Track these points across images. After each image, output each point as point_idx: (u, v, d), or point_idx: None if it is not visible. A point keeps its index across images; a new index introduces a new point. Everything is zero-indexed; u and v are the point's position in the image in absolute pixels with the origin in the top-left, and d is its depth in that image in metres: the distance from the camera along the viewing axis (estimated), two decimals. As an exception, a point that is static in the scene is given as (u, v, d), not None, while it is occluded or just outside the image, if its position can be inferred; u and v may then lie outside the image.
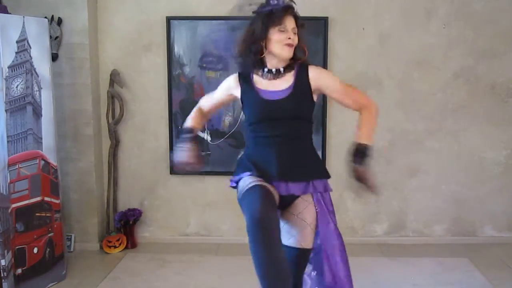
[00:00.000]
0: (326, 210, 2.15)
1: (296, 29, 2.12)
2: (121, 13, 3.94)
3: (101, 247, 3.99)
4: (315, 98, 2.18)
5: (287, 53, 2.11)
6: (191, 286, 3.37)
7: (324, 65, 3.85)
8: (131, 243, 4.02)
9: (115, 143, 4.03)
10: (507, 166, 4.04)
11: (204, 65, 3.95)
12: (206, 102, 2.39)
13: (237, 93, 2.22)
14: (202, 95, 3.99)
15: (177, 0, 3.91)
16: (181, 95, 4.00)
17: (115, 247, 3.94)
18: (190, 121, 2.33)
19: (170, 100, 4.00)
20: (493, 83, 3.94)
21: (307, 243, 2.13)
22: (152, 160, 4.10)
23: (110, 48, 3.98)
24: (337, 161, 3.90)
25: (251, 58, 2.15)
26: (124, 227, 4.02)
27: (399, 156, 4.04)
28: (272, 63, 2.15)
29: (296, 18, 2.14)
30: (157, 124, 4.05)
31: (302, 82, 2.14)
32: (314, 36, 3.84)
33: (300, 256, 2.15)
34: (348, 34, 3.90)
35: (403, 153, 4.04)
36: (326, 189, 2.18)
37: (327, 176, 2.21)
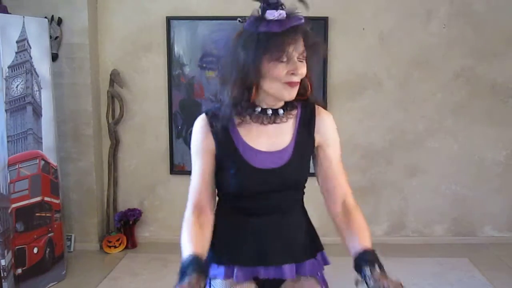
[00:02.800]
0: None
1: (304, 54, 1.42)
2: (121, 13, 3.94)
3: (101, 247, 3.98)
4: (315, 148, 1.56)
5: (289, 94, 1.42)
6: (191, 286, 3.37)
7: (324, 65, 3.85)
8: (131, 243, 4.02)
9: (115, 143, 4.03)
10: (507, 166, 4.03)
11: (204, 65, 3.95)
12: (199, 192, 1.54)
13: (213, 150, 1.50)
14: (202, 95, 4.07)
15: (177, 0, 3.91)
16: (181, 95, 4.00)
17: (115, 247, 3.94)
18: (189, 246, 1.38)
19: (170, 100, 4.00)
20: (493, 83, 3.94)
21: None
22: (152, 160, 4.10)
23: (110, 48, 3.98)
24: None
25: (243, 104, 1.44)
26: (124, 227, 4.02)
27: (399, 156, 4.04)
28: (266, 101, 1.47)
29: (307, 37, 1.42)
30: (157, 124, 4.05)
31: (305, 134, 1.51)
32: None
33: None
34: (348, 34, 3.90)
35: (403, 153, 4.03)
36: (324, 263, 1.71)
37: (321, 248, 1.70)
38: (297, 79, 1.40)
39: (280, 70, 1.38)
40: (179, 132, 4.04)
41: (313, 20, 4.08)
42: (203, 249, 1.39)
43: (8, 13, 3.33)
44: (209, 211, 1.52)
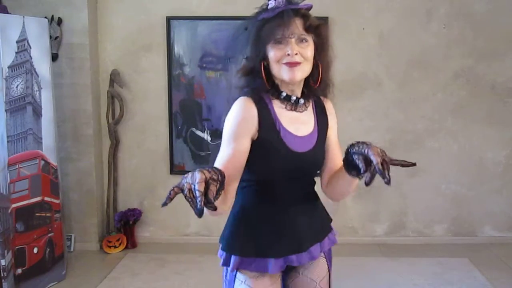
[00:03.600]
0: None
1: (306, 37, 1.47)
2: (121, 13, 3.94)
3: (101, 247, 3.98)
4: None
5: (288, 74, 1.45)
6: (191, 286, 3.37)
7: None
8: (131, 243, 4.02)
9: (115, 143, 4.03)
10: (507, 166, 4.04)
11: (204, 65, 3.95)
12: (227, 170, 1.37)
13: (255, 133, 1.48)
14: (202, 95, 4.07)
15: (177, 0, 3.91)
16: (181, 95, 4.00)
17: (115, 247, 3.94)
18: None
19: (170, 100, 4.00)
20: (493, 83, 3.94)
21: None
22: (152, 160, 4.10)
23: (110, 48, 3.98)
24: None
25: (258, 89, 1.51)
26: (124, 227, 4.02)
27: (399, 156, 3.97)
28: (285, 87, 1.52)
29: (307, 19, 1.48)
30: (157, 124, 4.05)
31: (322, 120, 1.60)
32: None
33: None
34: (348, 34, 3.90)
35: (403, 153, 4.03)
36: (334, 240, 1.71)
37: (331, 221, 1.73)
38: (294, 59, 1.44)
39: (276, 52, 1.45)
40: (179, 132, 4.04)
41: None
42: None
43: (8, 13, 3.33)
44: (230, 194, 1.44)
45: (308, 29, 1.47)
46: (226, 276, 1.62)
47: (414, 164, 1.46)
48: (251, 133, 1.47)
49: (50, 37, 3.56)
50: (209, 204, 1.15)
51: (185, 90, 3.99)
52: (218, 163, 1.43)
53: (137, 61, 3.99)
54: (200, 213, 1.12)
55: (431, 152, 4.03)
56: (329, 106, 1.64)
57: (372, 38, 3.91)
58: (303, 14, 1.47)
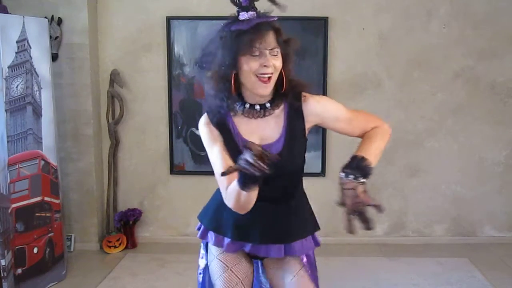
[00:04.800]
0: (312, 276, 1.79)
1: (278, 49, 1.56)
2: (121, 13, 3.94)
3: (101, 247, 3.98)
4: (307, 133, 1.71)
5: (262, 90, 1.55)
6: (191, 286, 3.37)
7: (324, 65, 3.86)
8: (131, 243, 4.02)
9: (115, 143, 4.03)
10: (507, 166, 4.04)
11: (204, 65, 3.94)
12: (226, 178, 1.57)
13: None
14: (202, 95, 4.06)
15: (177, 0, 3.91)
16: (181, 95, 4.00)
17: (115, 247, 3.94)
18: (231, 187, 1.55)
19: (170, 100, 4.00)
20: (493, 83, 3.94)
21: None
22: (152, 160, 4.10)
23: (110, 48, 3.98)
24: (337, 161, 3.89)
25: (224, 98, 1.60)
26: (124, 227, 4.02)
27: (399, 156, 4.04)
28: (252, 98, 1.62)
29: (279, 33, 1.57)
30: (157, 124, 4.05)
31: (295, 123, 1.65)
32: (314, 36, 3.84)
33: None
34: (348, 34, 3.90)
35: (403, 153, 4.03)
36: (313, 245, 1.80)
37: (316, 230, 1.82)
38: (269, 70, 1.53)
39: (253, 63, 1.52)
40: (179, 132, 4.04)
41: (313, 20, 4.08)
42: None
43: (8, 13, 3.33)
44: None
45: (279, 42, 1.56)
46: (200, 252, 1.89)
47: (380, 209, 1.44)
48: (220, 138, 1.65)
49: (50, 37, 3.56)
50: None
51: (185, 90, 3.99)
52: (219, 159, 1.60)
53: (137, 61, 3.99)
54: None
55: (431, 152, 4.03)
56: (309, 104, 1.66)
57: (372, 38, 3.91)
58: (276, 28, 1.56)
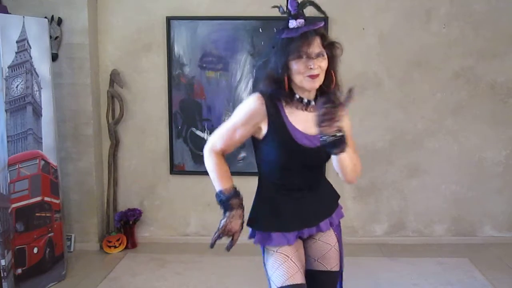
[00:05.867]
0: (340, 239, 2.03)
1: (323, 52, 1.77)
2: (121, 13, 3.94)
3: (101, 247, 3.99)
4: None
5: (309, 84, 1.76)
6: (191, 286, 3.37)
7: (324, 65, 3.86)
8: (131, 243, 4.02)
9: (115, 143, 4.03)
10: (507, 166, 4.04)
11: (204, 65, 3.95)
12: (223, 142, 1.85)
13: (264, 126, 1.80)
14: (202, 95, 4.07)
15: (177, 0, 3.91)
16: (181, 95, 4.00)
17: (115, 247, 3.94)
18: (220, 182, 1.87)
19: (170, 100, 4.00)
20: (493, 83, 3.94)
21: (333, 266, 1.97)
22: (152, 160, 4.10)
23: (110, 48, 3.98)
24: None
25: (279, 94, 1.80)
26: (124, 227, 4.02)
27: (399, 156, 4.04)
28: (301, 92, 1.82)
29: (324, 38, 1.80)
30: (157, 124, 4.05)
31: None
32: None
33: (327, 280, 1.98)
34: (348, 34, 3.90)
35: (403, 153, 4.04)
36: (341, 214, 2.06)
37: (338, 197, 2.07)
38: (315, 72, 1.74)
39: (300, 65, 1.73)
40: (179, 132, 4.04)
41: (313, 20, 4.07)
42: (232, 181, 1.87)
43: (8, 13, 3.33)
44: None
45: (324, 46, 1.78)
46: (263, 258, 1.97)
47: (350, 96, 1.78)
48: (255, 124, 1.80)
49: (50, 37, 3.56)
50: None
51: (185, 90, 3.99)
52: (220, 134, 1.86)
53: (137, 61, 3.99)
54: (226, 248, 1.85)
55: (431, 152, 4.03)
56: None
57: (372, 38, 3.91)
58: (322, 34, 1.79)
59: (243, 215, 1.83)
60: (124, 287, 3.35)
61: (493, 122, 3.98)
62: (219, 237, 1.82)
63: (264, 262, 1.93)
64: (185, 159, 4.06)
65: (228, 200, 1.82)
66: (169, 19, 3.89)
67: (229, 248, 1.82)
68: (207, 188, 4.12)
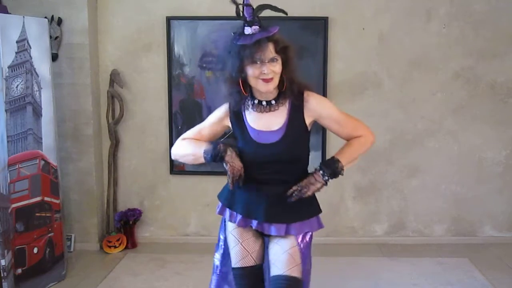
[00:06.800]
0: (305, 253, 2.04)
1: (276, 57, 1.89)
2: (121, 13, 3.94)
3: (101, 247, 3.99)
4: (309, 128, 2.03)
5: (264, 87, 1.90)
6: (191, 286, 3.37)
7: (324, 65, 3.86)
8: (131, 243, 4.02)
9: (115, 143, 4.03)
10: (507, 166, 4.04)
11: (204, 65, 3.95)
12: (192, 135, 2.18)
13: (229, 125, 2.07)
14: (202, 95, 4.07)
15: (177, 0, 3.91)
16: (181, 95, 4.00)
17: (115, 247, 3.94)
18: (198, 148, 2.06)
19: (170, 100, 4.00)
20: (493, 83, 3.94)
21: (285, 270, 1.95)
22: (152, 160, 4.10)
23: (110, 48, 3.98)
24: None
25: (237, 96, 1.97)
26: (124, 227, 4.02)
27: (399, 156, 4.04)
28: (259, 95, 1.98)
29: (277, 43, 1.90)
30: (157, 124, 4.05)
31: (296, 117, 1.99)
32: (314, 36, 3.85)
33: (282, 284, 1.94)
34: (348, 34, 3.90)
35: (403, 153, 4.04)
36: (317, 226, 2.08)
37: (316, 213, 2.08)
38: (269, 76, 1.87)
39: (255, 71, 1.88)
40: (179, 132, 4.04)
41: (313, 20, 4.10)
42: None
43: (8, 13, 3.33)
44: None
45: (277, 50, 1.89)
46: (220, 226, 2.21)
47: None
48: (223, 124, 2.07)
49: (50, 37, 3.56)
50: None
51: (185, 90, 3.99)
52: (196, 129, 2.17)
53: (137, 61, 3.99)
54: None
55: (431, 152, 4.03)
56: (310, 98, 1.99)
57: (372, 38, 3.91)
58: (275, 40, 1.89)
59: (236, 149, 1.99)
60: (124, 287, 3.35)
61: (493, 122, 3.98)
62: (234, 181, 1.97)
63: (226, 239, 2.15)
64: (185, 159, 4.05)
65: (216, 151, 1.97)
66: (169, 19, 3.89)
67: (242, 183, 1.96)
68: (207, 188, 4.13)
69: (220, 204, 2.16)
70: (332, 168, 1.97)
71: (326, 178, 1.97)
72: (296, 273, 1.95)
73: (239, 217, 2.05)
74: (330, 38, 3.87)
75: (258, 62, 1.86)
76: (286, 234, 2.00)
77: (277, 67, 1.89)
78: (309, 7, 3.82)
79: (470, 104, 3.97)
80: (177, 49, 3.95)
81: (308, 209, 2.05)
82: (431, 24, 3.88)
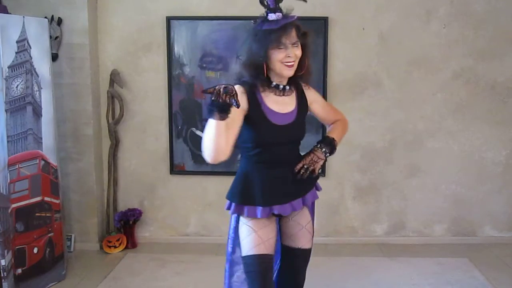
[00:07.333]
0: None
1: (298, 42, 2.00)
2: (121, 13, 3.94)
3: (101, 247, 3.99)
4: (308, 111, 2.24)
5: (287, 72, 2.01)
6: (191, 286, 3.37)
7: (324, 65, 3.86)
8: (131, 243, 4.02)
9: (115, 143, 4.03)
10: (507, 166, 4.04)
11: (204, 65, 3.95)
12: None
13: (246, 108, 2.02)
14: (202, 95, 4.06)
15: (177, 0, 3.91)
16: (181, 95, 4.00)
17: (115, 247, 3.94)
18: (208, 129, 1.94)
19: (170, 100, 4.00)
20: (493, 83, 3.94)
21: (304, 244, 2.20)
22: (152, 160, 4.10)
23: (110, 48, 3.98)
24: (336, 161, 3.90)
25: (259, 79, 2.03)
26: (124, 227, 4.02)
27: (399, 156, 4.04)
28: (277, 79, 2.07)
29: (298, 29, 2.01)
30: (157, 124, 4.05)
31: (302, 102, 2.16)
32: (314, 36, 3.84)
33: (298, 256, 2.21)
34: (348, 34, 3.90)
35: (403, 153, 4.04)
36: (316, 196, 2.27)
37: (317, 178, 2.25)
38: (291, 59, 1.98)
39: (279, 54, 1.96)
40: (179, 132, 4.04)
41: (313, 20, 4.11)
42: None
43: (8, 13, 3.33)
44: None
45: (299, 36, 2.01)
46: (231, 222, 2.19)
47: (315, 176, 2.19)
48: (242, 108, 1.96)
49: (50, 37, 3.56)
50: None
51: (185, 90, 3.99)
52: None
53: (137, 61, 3.99)
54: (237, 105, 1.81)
55: (431, 152, 4.03)
56: (308, 91, 2.20)
57: (372, 38, 3.91)
58: (297, 25, 2.01)
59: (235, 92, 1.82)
60: (124, 287, 3.35)
61: (493, 122, 3.98)
62: (235, 96, 1.80)
63: (238, 231, 2.15)
64: (185, 159, 4.06)
65: (214, 94, 1.89)
66: (169, 19, 3.90)
67: (238, 105, 1.80)
68: (207, 188, 4.14)
69: (230, 205, 2.13)
70: (331, 146, 2.16)
71: (327, 155, 2.15)
72: (310, 244, 2.22)
73: (259, 209, 2.06)
74: (330, 38, 3.87)
75: (283, 47, 1.95)
76: (303, 205, 2.17)
77: (299, 51, 2.01)
78: (309, 7, 3.79)
79: (470, 104, 3.97)
80: (177, 49, 3.95)
81: (310, 178, 2.18)
82: (431, 24, 3.88)
